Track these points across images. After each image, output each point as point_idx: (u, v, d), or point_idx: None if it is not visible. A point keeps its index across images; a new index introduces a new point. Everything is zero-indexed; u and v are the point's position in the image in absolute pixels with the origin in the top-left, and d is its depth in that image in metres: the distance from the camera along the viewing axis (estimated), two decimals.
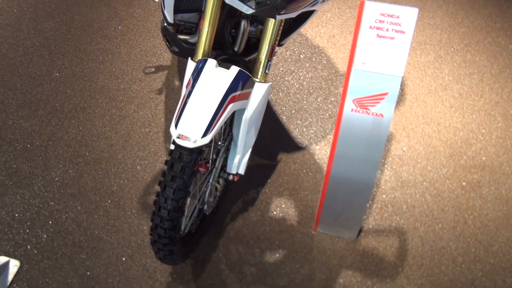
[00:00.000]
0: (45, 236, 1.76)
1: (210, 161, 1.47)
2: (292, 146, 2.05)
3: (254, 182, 1.93)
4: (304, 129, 2.11)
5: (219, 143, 1.53)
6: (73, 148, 2.00)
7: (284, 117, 2.14)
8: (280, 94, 2.22)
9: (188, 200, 1.44)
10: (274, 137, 2.07)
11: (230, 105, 1.27)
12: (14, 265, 1.69)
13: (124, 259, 1.71)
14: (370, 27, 1.34)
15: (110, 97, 2.18)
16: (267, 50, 1.41)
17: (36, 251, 1.72)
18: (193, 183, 1.47)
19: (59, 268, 1.69)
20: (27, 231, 1.77)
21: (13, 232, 1.77)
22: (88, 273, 1.68)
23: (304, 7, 1.35)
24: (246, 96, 1.36)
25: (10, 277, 1.66)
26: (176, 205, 1.27)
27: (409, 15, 1.31)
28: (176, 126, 1.24)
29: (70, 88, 2.21)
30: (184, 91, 1.31)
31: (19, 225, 1.78)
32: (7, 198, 1.85)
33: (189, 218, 1.53)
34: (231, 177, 1.54)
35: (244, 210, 1.85)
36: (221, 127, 1.41)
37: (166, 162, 1.29)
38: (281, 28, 1.42)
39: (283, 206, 1.87)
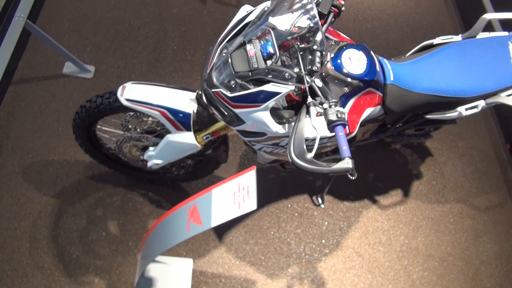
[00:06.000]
0: None
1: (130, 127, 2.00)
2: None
3: None
4: None
5: (152, 126, 1.99)
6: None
7: None
8: None
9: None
10: None
11: (155, 112, 1.73)
12: None
13: None
14: (238, 184, 1.55)
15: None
16: (212, 129, 1.76)
17: None
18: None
19: None
20: None
21: None
22: None
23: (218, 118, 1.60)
24: (176, 127, 1.77)
25: None
26: (86, 108, 1.85)
27: (249, 205, 1.46)
28: (133, 82, 1.78)
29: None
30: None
31: None
32: None
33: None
34: (142, 157, 2.01)
35: None
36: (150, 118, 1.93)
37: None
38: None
39: None
